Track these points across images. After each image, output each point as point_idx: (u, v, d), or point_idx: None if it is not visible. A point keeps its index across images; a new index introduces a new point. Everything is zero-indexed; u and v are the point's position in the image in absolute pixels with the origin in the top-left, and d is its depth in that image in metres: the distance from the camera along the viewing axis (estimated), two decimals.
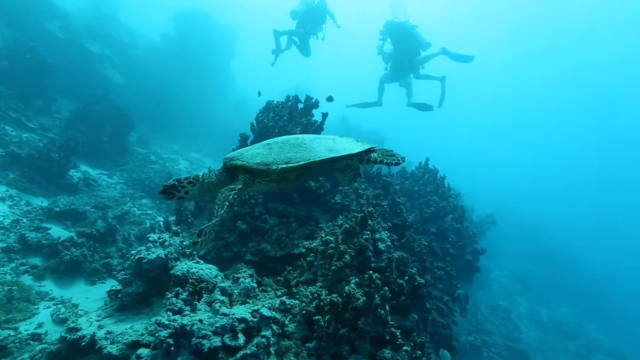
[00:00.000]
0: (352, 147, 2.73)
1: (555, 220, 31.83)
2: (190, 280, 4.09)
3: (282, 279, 5.30)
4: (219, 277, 4.65)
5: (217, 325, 3.21)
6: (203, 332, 3.12)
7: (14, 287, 6.33)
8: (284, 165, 2.43)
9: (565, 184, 52.22)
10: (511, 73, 54.51)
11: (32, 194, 10.10)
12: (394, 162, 2.87)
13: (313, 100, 7.85)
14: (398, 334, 4.12)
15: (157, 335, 3.12)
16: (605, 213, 43.39)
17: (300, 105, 7.96)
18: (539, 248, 23.03)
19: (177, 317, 3.29)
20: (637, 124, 51.24)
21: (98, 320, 4.74)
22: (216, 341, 3.10)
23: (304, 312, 4.31)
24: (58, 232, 8.69)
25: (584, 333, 18.63)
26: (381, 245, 5.13)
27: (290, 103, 7.96)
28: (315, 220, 7.16)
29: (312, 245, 6.24)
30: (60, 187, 10.97)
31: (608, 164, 54.37)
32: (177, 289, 3.65)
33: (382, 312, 4.01)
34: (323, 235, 6.41)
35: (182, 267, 4.43)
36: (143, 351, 3.68)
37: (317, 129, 7.52)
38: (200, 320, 3.21)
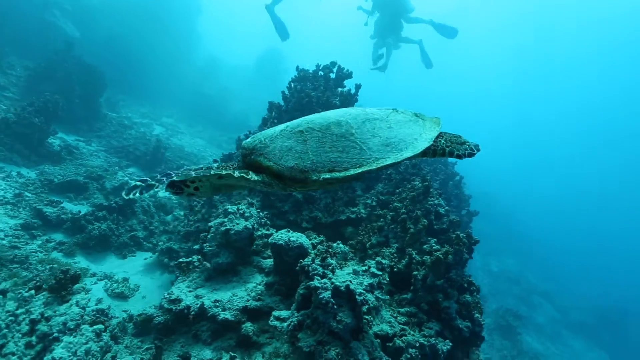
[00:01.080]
0: (416, 136, 1.97)
1: (504, 185, 36.11)
2: (291, 246, 4.40)
3: (354, 242, 5.79)
4: (312, 243, 4.98)
5: (364, 284, 3.65)
6: (359, 290, 3.54)
7: (54, 265, 5.94)
8: (328, 175, 1.76)
9: (511, 155, 57.93)
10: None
11: (14, 164, 8.98)
12: (467, 152, 2.11)
13: (345, 71, 7.95)
14: (472, 281, 4.95)
15: (319, 297, 3.45)
16: (532, 176, 49.98)
17: (332, 75, 8.02)
18: (493, 210, 26.29)
19: (325, 280, 3.64)
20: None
21: (190, 292, 4.84)
22: (371, 298, 3.55)
23: (395, 269, 4.90)
24: (66, 205, 8.01)
25: (525, 279, 22.31)
26: (441, 210, 5.81)
27: (321, 73, 7.97)
28: (352, 188, 7.61)
29: (361, 212, 6.76)
30: (41, 156, 9.83)
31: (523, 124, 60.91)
32: (311, 257, 3.95)
33: (462, 266, 4.77)
34: (369, 202, 6.94)
35: (281, 236, 4.65)
36: (282, 313, 4.01)
37: (352, 101, 7.72)
38: (350, 282, 3.61)
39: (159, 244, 7.54)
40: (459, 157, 2.10)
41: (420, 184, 5.87)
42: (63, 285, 3.79)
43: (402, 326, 4.29)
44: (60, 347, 3.19)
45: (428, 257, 4.68)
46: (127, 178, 11.13)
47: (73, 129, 12.81)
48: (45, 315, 3.55)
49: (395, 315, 4.47)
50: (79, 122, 13.21)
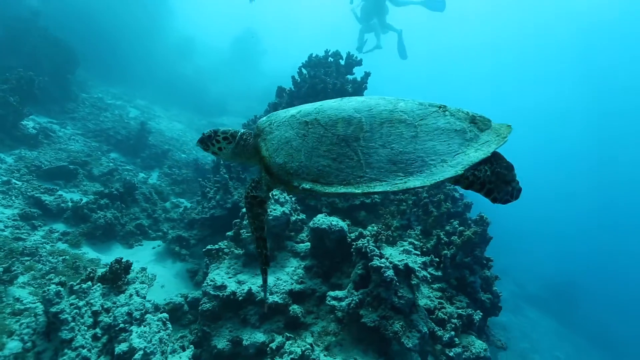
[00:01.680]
0: (447, 156, 1.46)
1: None
2: (333, 230, 4.60)
3: (380, 225, 6.08)
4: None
5: (418, 262, 3.95)
6: (416, 267, 3.83)
7: (66, 257, 5.61)
8: (308, 186, 1.51)
9: None
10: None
11: None
12: (504, 198, 1.63)
13: (355, 58, 8.05)
14: (489, 257, 5.48)
15: (383, 275, 3.69)
16: None
17: (342, 62, 8.10)
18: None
19: (384, 260, 3.88)
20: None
21: (231, 278, 4.86)
22: (427, 275, 3.87)
23: (424, 249, 5.27)
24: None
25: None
26: (456, 194, 6.26)
27: (331, 59, 8.01)
28: None
29: (375, 197, 7.06)
30: (16, 140, 8.96)
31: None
32: (364, 240, 4.15)
33: (486, 244, 5.26)
34: None
35: (322, 220, 4.78)
36: (338, 293, 4.21)
37: (362, 89, 7.87)
38: (406, 261, 3.89)
39: (169, 232, 7.31)
40: (495, 200, 1.61)
41: None
42: (118, 276, 3.65)
43: (439, 300, 4.69)
44: (135, 336, 3.14)
45: (456, 237, 5.09)
46: (112, 164, 10.46)
47: (43, 110, 11.66)
48: (105, 306, 3.44)
49: (430, 290, 4.86)
50: (50, 103, 12.04)
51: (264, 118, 1.84)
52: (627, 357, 17.78)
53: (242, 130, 2.01)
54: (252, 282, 4.72)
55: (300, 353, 3.81)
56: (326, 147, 1.51)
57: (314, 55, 7.97)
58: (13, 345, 3.79)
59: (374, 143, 1.47)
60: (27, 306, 4.38)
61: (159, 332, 3.30)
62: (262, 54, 25.64)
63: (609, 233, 34.71)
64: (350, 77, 7.93)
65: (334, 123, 1.55)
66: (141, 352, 2.99)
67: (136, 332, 3.21)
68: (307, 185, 1.50)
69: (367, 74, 7.98)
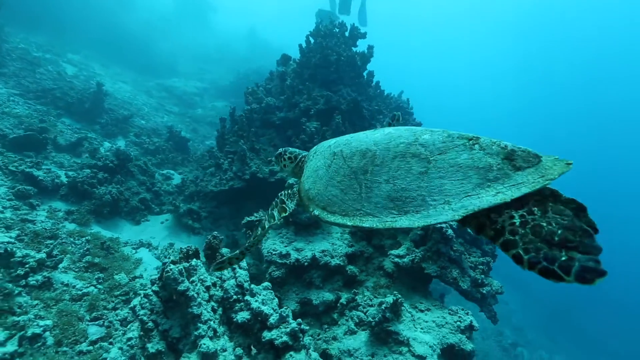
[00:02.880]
0: (452, 197, 1.30)
1: None
2: None
3: None
4: None
5: None
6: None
7: (87, 237, 5.13)
8: (317, 212, 1.62)
9: None
10: None
11: None
12: (547, 262, 1.05)
13: (359, 30, 8.21)
14: None
15: (445, 234, 4.38)
16: None
17: (346, 34, 8.20)
18: None
19: None
20: None
21: (287, 246, 5.11)
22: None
23: None
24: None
25: None
26: None
27: (337, 30, 8.05)
28: None
29: None
30: None
31: None
32: None
33: None
34: None
35: None
36: (398, 251, 4.81)
37: (368, 60, 8.13)
38: None
39: (180, 205, 6.97)
40: (519, 262, 1.09)
41: None
42: (215, 251, 3.64)
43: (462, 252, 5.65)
44: (258, 304, 3.32)
45: None
46: (77, 133, 9.11)
47: None
48: (213, 281, 3.48)
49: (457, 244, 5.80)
50: None
51: (316, 146, 1.96)
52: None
53: (303, 154, 2.17)
54: (310, 249, 5.05)
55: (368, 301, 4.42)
56: (340, 177, 1.56)
57: (321, 25, 7.87)
58: (94, 331, 3.65)
59: (379, 177, 1.44)
60: (84, 291, 4.08)
61: (273, 299, 3.53)
62: (212, 11, 23.24)
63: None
64: (355, 49, 8.10)
65: (352, 155, 1.58)
66: (276, 316, 3.22)
67: (256, 301, 3.40)
68: (316, 212, 1.59)
69: (371, 47, 8.21)
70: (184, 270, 3.20)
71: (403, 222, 1.30)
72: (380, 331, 3.97)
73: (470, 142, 1.37)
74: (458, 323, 4.17)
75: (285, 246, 5.13)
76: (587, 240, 1.00)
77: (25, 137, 6.79)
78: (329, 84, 7.59)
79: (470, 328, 4.14)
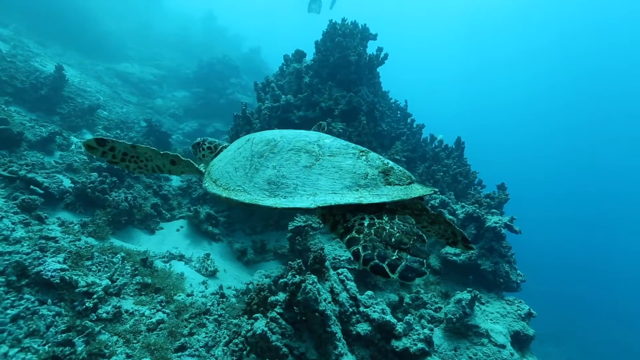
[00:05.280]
0: (317, 191, 1.39)
1: None
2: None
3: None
4: None
5: (504, 220, 5.26)
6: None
7: (121, 254, 4.43)
8: (207, 183, 1.70)
9: None
10: None
11: None
12: (378, 260, 1.09)
13: (369, 31, 8.31)
14: None
15: (500, 233, 4.80)
16: None
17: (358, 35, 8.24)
18: None
19: (495, 220, 5.01)
20: None
21: (346, 251, 5.07)
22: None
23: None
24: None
25: None
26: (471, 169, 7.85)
27: (348, 30, 8.03)
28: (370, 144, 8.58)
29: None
30: None
31: None
32: (472, 207, 5.11)
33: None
34: (397, 157, 8.22)
35: None
36: (455, 250, 5.10)
37: (382, 63, 8.27)
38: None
39: (200, 210, 6.34)
40: (357, 257, 1.13)
41: (454, 145, 7.64)
42: (322, 264, 3.43)
43: None
44: (377, 312, 3.29)
45: (489, 200, 6.66)
46: (34, 124, 7.61)
47: None
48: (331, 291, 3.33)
49: None
50: None
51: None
52: None
53: (224, 144, 2.26)
54: None
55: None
56: (240, 158, 1.65)
57: (338, 24, 7.74)
58: None
59: (269, 162, 1.52)
60: (156, 319, 3.56)
61: (385, 308, 3.53)
62: None
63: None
64: (366, 50, 8.17)
65: (259, 142, 1.67)
66: (402, 325, 3.23)
67: (375, 311, 3.37)
68: (206, 183, 1.69)
69: (381, 49, 8.29)
70: (318, 288, 3.01)
71: (267, 202, 1.37)
72: (461, 326, 4.23)
73: (361, 153, 1.51)
74: (518, 312, 4.65)
75: (345, 251, 5.08)
76: (419, 244, 1.11)
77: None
78: (349, 84, 7.57)
79: (529, 315, 4.65)
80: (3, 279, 2.93)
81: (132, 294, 3.81)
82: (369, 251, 1.09)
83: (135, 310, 3.56)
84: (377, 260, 1.05)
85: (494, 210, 5.68)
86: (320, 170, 1.41)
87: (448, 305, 4.46)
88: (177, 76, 18.26)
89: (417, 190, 1.33)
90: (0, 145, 5.57)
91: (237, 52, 21.79)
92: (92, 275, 3.43)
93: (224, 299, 4.60)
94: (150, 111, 15.01)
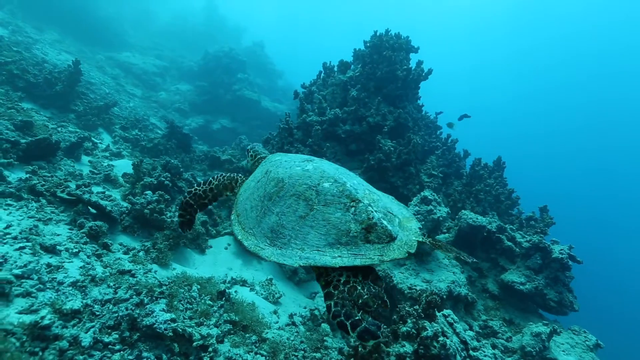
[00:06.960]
0: (312, 248, 1.46)
1: None
2: (477, 225, 5.48)
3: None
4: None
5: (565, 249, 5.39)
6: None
7: (198, 286, 4.17)
8: (234, 217, 1.81)
9: None
10: None
11: None
12: (343, 317, 1.25)
13: (412, 45, 8.15)
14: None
15: (564, 261, 4.90)
16: None
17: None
18: None
19: (561, 250, 5.10)
20: None
21: (415, 277, 5.01)
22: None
23: None
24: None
25: None
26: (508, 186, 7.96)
27: (397, 44, 7.83)
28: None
29: (423, 179, 8.01)
30: None
31: None
32: (537, 236, 5.18)
33: None
34: (434, 172, 8.23)
35: (470, 216, 5.44)
36: (520, 279, 5.17)
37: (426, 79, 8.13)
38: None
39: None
40: (329, 311, 1.31)
41: (493, 165, 7.72)
42: (434, 309, 3.35)
43: None
44: (489, 356, 3.26)
45: (534, 222, 6.79)
46: (56, 125, 7.01)
47: None
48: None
49: None
50: None
51: (271, 155, 2.26)
52: None
53: (262, 155, 2.35)
54: (437, 279, 5.06)
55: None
56: (256, 196, 1.75)
57: (384, 35, 7.55)
58: None
59: (274, 208, 1.59)
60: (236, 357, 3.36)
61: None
62: None
63: None
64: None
65: (272, 180, 1.74)
66: None
67: (486, 355, 3.34)
68: (233, 216, 1.80)
69: (421, 62, 8.06)
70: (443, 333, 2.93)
71: (265, 253, 1.49)
72: (541, 359, 4.30)
73: (352, 203, 1.52)
74: (587, 342, 4.79)
75: (414, 277, 5.03)
76: (381, 309, 1.25)
77: (36, 143, 4.98)
78: (394, 99, 7.44)
79: (597, 346, 4.79)
80: (117, 335, 2.65)
81: (221, 334, 3.59)
82: (339, 308, 1.26)
83: (236, 355, 3.35)
84: (342, 318, 1.22)
85: (540, 235, 5.80)
86: (312, 222, 1.49)
87: (523, 336, 4.52)
88: (179, 68, 17.43)
89: (394, 252, 1.41)
90: (38, 155, 5.07)
91: (240, 45, 21.05)
92: (205, 328, 3.16)
93: (298, 330, 4.45)
94: (155, 105, 14.30)
